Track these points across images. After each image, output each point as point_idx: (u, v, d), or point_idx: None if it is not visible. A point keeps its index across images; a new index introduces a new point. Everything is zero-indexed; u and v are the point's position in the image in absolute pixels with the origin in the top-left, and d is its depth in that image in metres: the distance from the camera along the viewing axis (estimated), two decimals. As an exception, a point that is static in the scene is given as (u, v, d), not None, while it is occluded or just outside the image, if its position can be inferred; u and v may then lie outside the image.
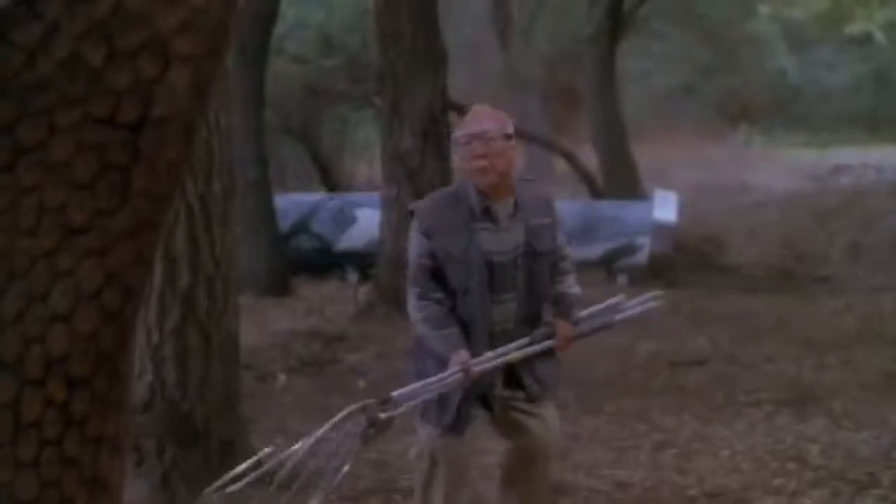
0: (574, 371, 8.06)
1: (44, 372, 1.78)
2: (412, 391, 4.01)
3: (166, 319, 5.40)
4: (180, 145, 1.81)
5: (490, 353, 4.07)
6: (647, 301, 4.48)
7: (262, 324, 9.96)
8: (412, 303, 4.14)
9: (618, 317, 4.37)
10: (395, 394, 3.99)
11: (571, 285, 4.29)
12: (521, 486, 4.26)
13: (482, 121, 4.10)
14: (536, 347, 4.14)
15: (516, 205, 4.13)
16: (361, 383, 7.87)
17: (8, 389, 1.76)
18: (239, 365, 5.93)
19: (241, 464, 3.85)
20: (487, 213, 4.09)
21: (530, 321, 4.17)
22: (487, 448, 4.18)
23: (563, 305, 4.26)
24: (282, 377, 8.18)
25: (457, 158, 4.16)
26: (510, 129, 4.12)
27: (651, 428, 6.52)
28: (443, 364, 4.05)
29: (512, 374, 4.16)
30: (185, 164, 1.84)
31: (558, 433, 4.31)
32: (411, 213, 4.22)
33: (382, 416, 3.94)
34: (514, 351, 4.11)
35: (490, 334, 4.10)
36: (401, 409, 3.99)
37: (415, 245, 4.14)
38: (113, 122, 1.75)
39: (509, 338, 4.13)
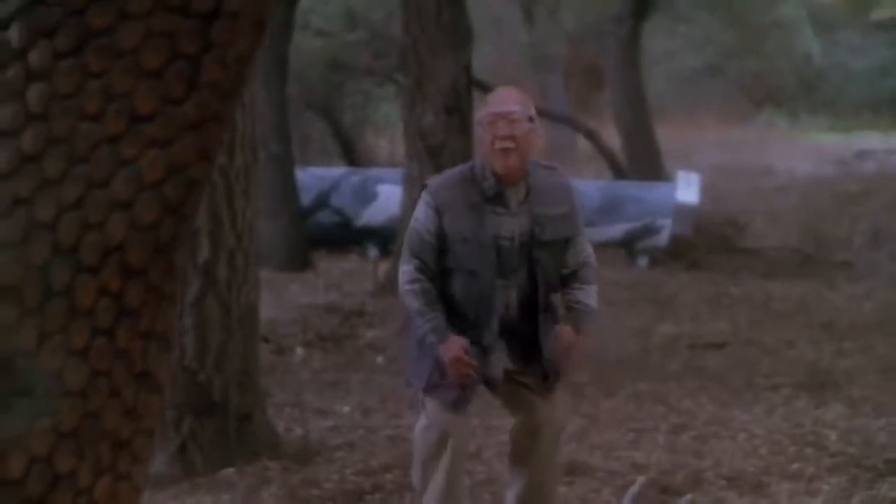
0: (592, 352, 8.08)
1: (100, 259, 1.74)
2: None
3: (186, 291, 5.41)
4: (250, 40, 1.79)
5: None
6: None
7: (280, 298, 9.97)
8: (407, 270, 4.13)
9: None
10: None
11: (590, 295, 4.25)
12: (528, 465, 4.29)
13: (507, 101, 4.10)
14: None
15: (528, 191, 4.13)
16: (379, 359, 7.88)
17: (63, 276, 1.73)
18: (258, 338, 5.94)
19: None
20: (499, 198, 4.10)
21: (532, 311, 4.17)
22: (501, 426, 4.17)
23: (577, 315, 4.24)
24: (299, 351, 8.19)
25: (477, 137, 4.14)
26: (534, 112, 4.13)
27: (669, 410, 6.51)
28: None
29: (521, 354, 4.18)
30: (253, 62, 1.83)
31: (563, 416, 4.32)
32: (424, 187, 4.24)
33: None
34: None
35: (496, 319, 4.12)
36: None
37: (423, 218, 4.13)
38: (185, 12, 1.73)
39: (513, 326, 4.15)
